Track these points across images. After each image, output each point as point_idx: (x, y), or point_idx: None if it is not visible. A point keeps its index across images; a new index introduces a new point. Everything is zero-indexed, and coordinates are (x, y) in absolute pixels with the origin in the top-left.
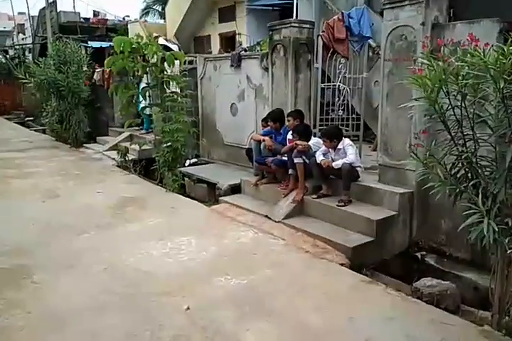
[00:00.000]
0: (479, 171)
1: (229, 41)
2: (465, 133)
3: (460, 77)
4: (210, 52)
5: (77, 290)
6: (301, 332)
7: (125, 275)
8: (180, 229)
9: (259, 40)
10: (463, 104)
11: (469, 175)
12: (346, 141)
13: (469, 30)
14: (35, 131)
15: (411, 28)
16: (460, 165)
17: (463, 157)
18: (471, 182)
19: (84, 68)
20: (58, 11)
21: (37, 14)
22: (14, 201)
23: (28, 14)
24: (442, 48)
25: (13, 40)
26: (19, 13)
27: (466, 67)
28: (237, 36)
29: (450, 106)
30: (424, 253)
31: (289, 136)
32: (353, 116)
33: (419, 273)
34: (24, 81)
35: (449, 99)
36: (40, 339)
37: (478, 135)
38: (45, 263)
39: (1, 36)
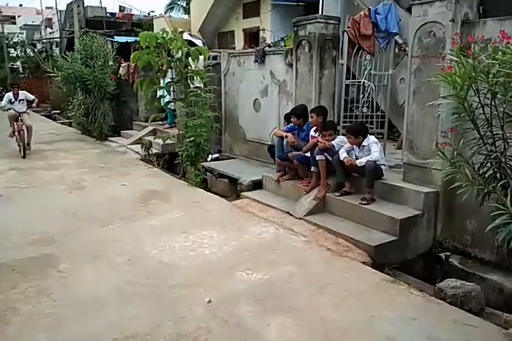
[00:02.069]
0: (508, 171)
1: (253, 37)
2: (494, 133)
3: (490, 75)
4: (234, 48)
5: (102, 280)
6: (322, 329)
7: (148, 267)
8: (202, 223)
9: (283, 36)
10: (493, 103)
11: (498, 175)
12: (371, 138)
13: (500, 27)
14: (61, 123)
15: (440, 24)
16: (489, 165)
17: (492, 157)
18: (500, 183)
19: (110, 63)
20: (85, 5)
21: (64, 9)
22: (42, 192)
23: (56, 9)
24: (472, 45)
25: (40, 34)
26: (47, 8)
27: (497, 65)
28: (261, 32)
29: (479, 105)
30: (448, 253)
31: (312, 132)
32: (378, 113)
33: (442, 273)
34: (51, 74)
35: (478, 97)
36: (66, 327)
37: (507, 134)
38: (71, 253)
39: (30, 30)
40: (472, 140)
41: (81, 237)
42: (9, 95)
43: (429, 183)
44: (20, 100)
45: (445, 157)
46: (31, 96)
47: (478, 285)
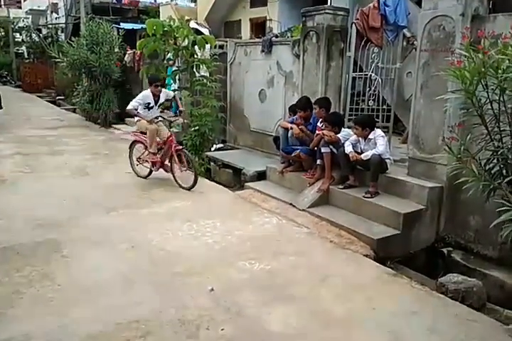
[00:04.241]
0: None
1: (259, 27)
2: (502, 129)
3: (500, 71)
4: (240, 38)
5: (105, 266)
6: (323, 320)
7: (151, 254)
8: (205, 212)
9: (290, 27)
10: (501, 99)
11: (504, 171)
12: (378, 131)
13: (511, 22)
14: (65, 109)
15: (450, 18)
16: (495, 160)
17: (499, 153)
18: (506, 179)
19: (116, 49)
20: None
21: None
22: (46, 178)
23: None
24: (482, 40)
25: (46, 19)
26: None
27: (507, 61)
28: (267, 22)
29: (488, 100)
30: (450, 249)
31: (319, 124)
32: (384, 107)
33: (444, 268)
34: (57, 60)
35: (487, 92)
36: (69, 311)
37: None
38: (75, 239)
39: (35, 15)
40: (479, 135)
41: (85, 223)
42: (147, 95)
43: (434, 178)
44: (159, 105)
45: (451, 152)
46: (172, 94)
47: (480, 281)
